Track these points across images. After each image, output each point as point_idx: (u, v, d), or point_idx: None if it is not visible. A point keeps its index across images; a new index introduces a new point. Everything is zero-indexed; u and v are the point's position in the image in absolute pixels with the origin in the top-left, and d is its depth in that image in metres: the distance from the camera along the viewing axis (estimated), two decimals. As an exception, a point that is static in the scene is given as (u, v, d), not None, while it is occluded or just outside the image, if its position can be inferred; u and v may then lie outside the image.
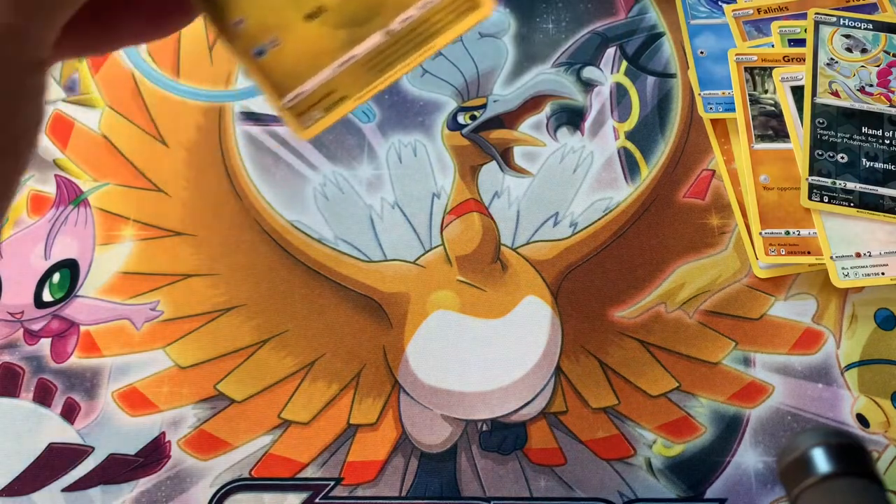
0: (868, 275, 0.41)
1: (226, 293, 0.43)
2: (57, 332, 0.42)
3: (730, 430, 0.40)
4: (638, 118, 0.47)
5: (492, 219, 0.44)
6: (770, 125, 0.45)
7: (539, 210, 0.44)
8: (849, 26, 0.45)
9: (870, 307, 0.42)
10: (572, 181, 0.45)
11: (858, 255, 0.41)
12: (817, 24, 0.45)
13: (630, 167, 0.45)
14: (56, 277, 0.43)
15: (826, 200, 0.42)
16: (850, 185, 0.42)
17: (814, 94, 0.44)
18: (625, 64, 0.48)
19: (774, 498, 0.39)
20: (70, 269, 0.42)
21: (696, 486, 0.39)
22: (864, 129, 0.43)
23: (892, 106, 0.44)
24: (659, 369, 0.41)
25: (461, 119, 0.46)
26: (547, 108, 0.47)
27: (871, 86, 0.44)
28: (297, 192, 0.45)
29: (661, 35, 0.49)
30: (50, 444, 0.40)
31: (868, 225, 0.42)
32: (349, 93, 0.26)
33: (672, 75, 0.48)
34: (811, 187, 0.42)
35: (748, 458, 0.39)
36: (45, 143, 0.46)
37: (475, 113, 0.47)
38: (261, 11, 0.25)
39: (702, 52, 0.48)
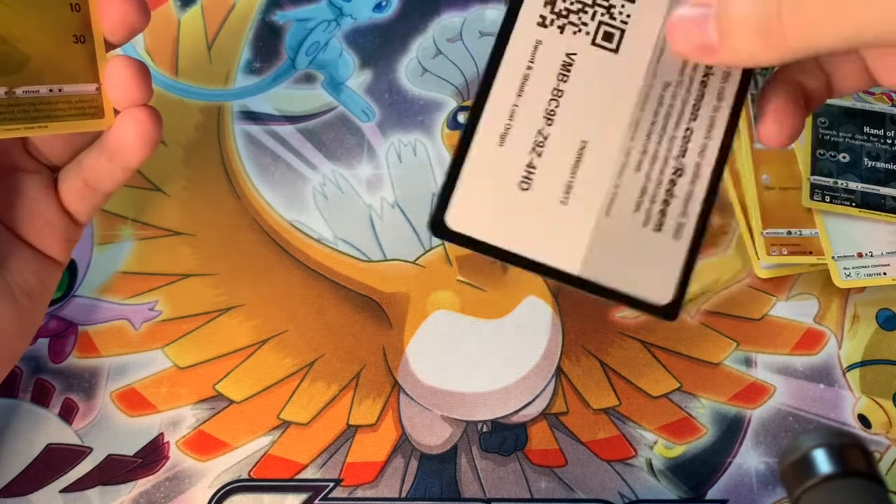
0: (870, 275, 0.41)
1: (225, 293, 0.42)
2: (55, 332, 0.41)
3: (731, 430, 0.40)
4: (639, 117, 0.46)
5: (492, 218, 0.44)
6: (771, 125, 0.44)
7: (539, 210, 0.44)
8: (850, 25, 0.45)
9: (871, 307, 0.42)
10: (573, 181, 0.45)
11: (860, 255, 0.41)
12: (819, 23, 0.45)
13: (631, 167, 0.45)
14: (54, 277, 0.42)
15: (828, 200, 0.42)
16: (852, 185, 0.42)
17: (815, 93, 0.44)
18: (625, 63, 0.48)
19: (776, 499, 0.39)
20: (68, 269, 0.42)
21: (697, 487, 0.39)
22: (866, 129, 0.43)
23: (893, 105, 0.44)
24: (660, 370, 0.41)
25: (461, 118, 0.46)
26: (547, 108, 0.47)
27: (873, 85, 0.44)
28: (296, 192, 0.45)
29: (661, 34, 0.49)
30: (48, 444, 0.39)
31: (870, 225, 0.42)
32: None
33: (673, 74, 0.48)
34: (813, 187, 0.42)
35: (749, 458, 0.39)
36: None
37: (475, 112, 0.46)
38: None
39: (703, 52, 0.48)
